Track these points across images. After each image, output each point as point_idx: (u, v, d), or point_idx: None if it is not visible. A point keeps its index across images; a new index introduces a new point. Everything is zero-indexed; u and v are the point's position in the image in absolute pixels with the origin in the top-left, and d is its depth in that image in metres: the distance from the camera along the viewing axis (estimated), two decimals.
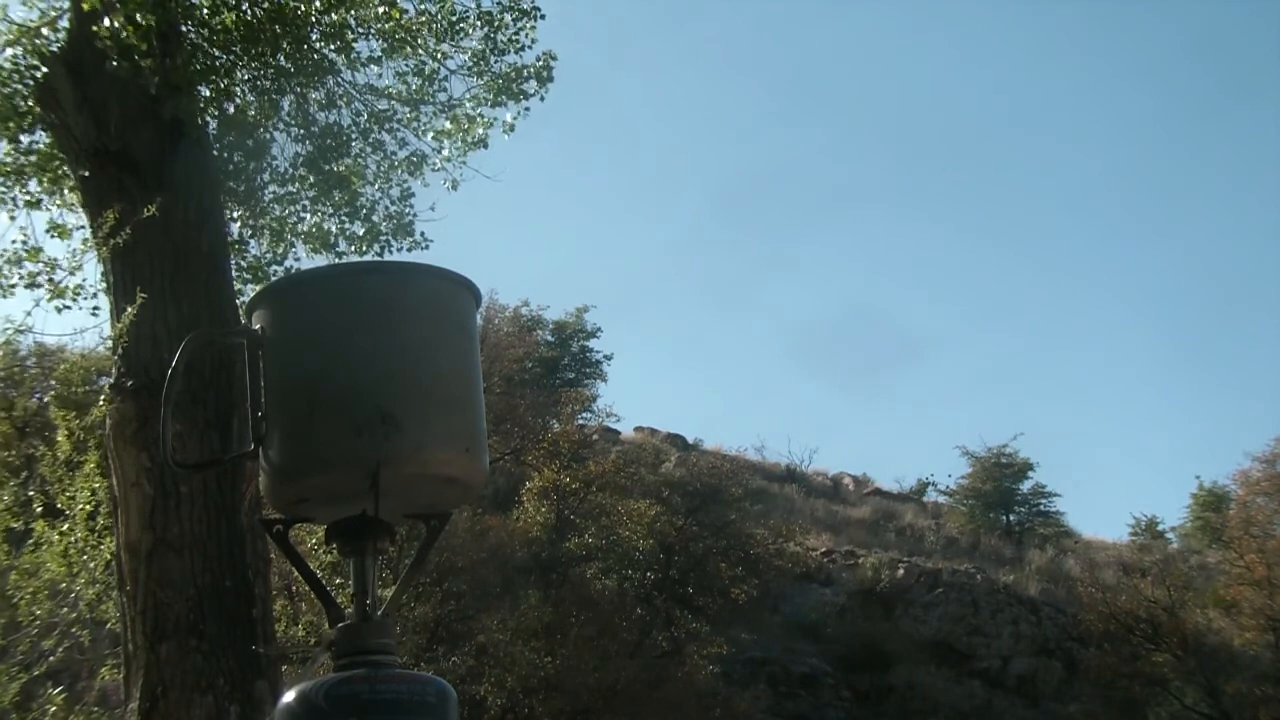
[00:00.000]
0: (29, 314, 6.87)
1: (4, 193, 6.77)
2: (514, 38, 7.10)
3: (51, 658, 5.40)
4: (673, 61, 72.02)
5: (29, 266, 6.41)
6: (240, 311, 5.46)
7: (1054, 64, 66.41)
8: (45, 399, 5.75)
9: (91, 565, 5.33)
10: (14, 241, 6.61)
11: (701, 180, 68.34)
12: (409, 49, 7.08)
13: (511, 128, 7.33)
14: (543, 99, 7.25)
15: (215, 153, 6.24)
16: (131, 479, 4.97)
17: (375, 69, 7.16)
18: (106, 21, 5.37)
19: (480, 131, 7.32)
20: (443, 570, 13.17)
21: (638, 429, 28.75)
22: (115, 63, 5.41)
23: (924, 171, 64.51)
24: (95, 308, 6.61)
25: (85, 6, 5.36)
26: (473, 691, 12.53)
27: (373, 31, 6.93)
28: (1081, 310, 61.89)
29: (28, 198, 6.81)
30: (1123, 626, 19.40)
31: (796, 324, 59.74)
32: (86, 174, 5.61)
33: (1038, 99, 64.67)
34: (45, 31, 6.30)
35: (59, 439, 5.20)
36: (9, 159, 6.68)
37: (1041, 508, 28.32)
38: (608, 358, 28.54)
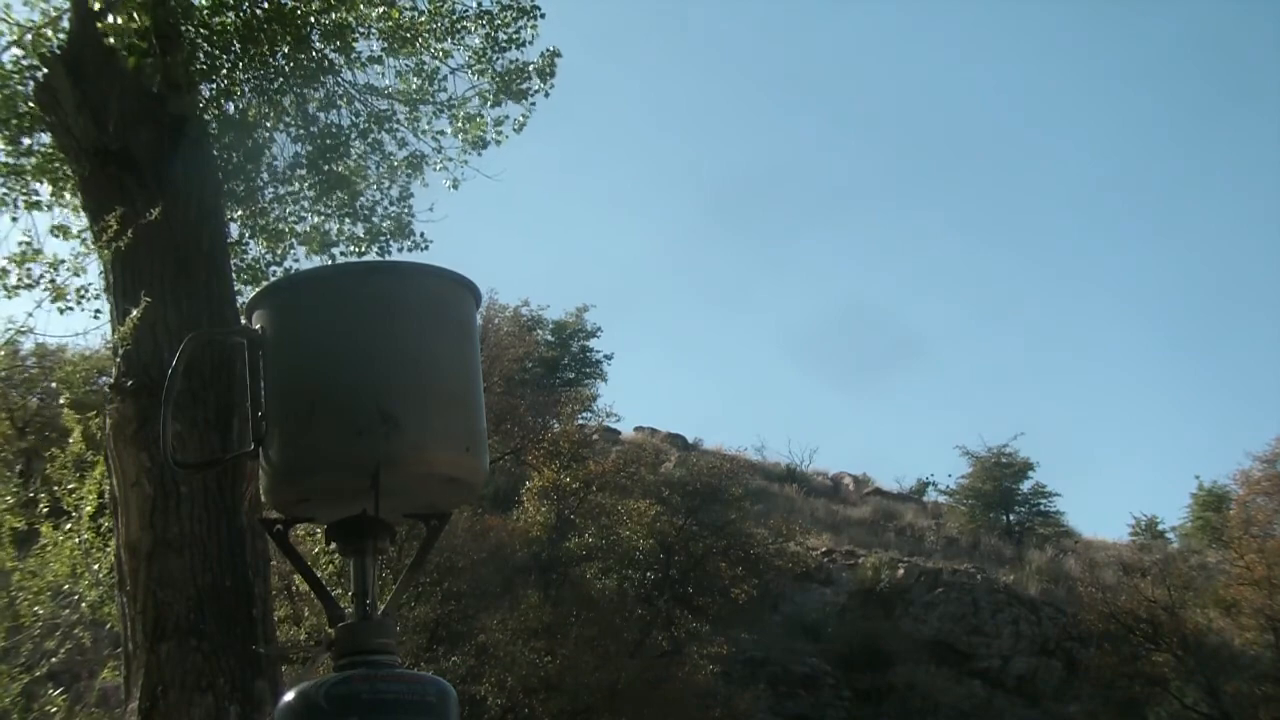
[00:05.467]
0: (30, 315, 6.87)
1: (5, 194, 6.77)
2: (514, 35, 7.11)
3: (53, 659, 5.40)
4: (672, 61, 72.06)
5: (32, 267, 6.41)
6: (240, 311, 5.46)
7: (1054, 64, 66.42)
8: (60, 401, 5.74)
9: (95, 567, 5.32)
10: (19, 243, 6.62)
11: (701, 180, 68.34)
12: (409, 48, 7.08)
13: (521, 125, 7.35)
14: (547, 95, 7.27)
15: (215, 153, 6.24)
16: (131, 479, 4.97)
17: (375, 68, 7.18)
18: (110, 19, 5.36)
19: (482, 131, 7.34)
20: (443, 570, 13.17)
21: (638, 429, 28.75)
22: (121, 60, 5.41)
23: (924, 171, 64.53)
24: (97, 310, 6.62)
25: (94, 5, 5.36)
26: (473, 691, 12.53)
27: (373, 31, 6.94)
28: (1081, 310, 61.90)
29: (28, 199, 6.81)
30: (1123, 626, 19.40)
31: (796, 323, 59.73)
32: (86, 174, 5.61)
33: (1038, 98, 64.68)
34: (47, 32, 6.30)
35: (71, 440, 5.19)
36: (9, 160, 6.68)
37: (1041, 508, 28.31)
38: (608, 358, 28.58)
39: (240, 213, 7.01)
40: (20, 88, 6.31)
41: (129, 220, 5.02)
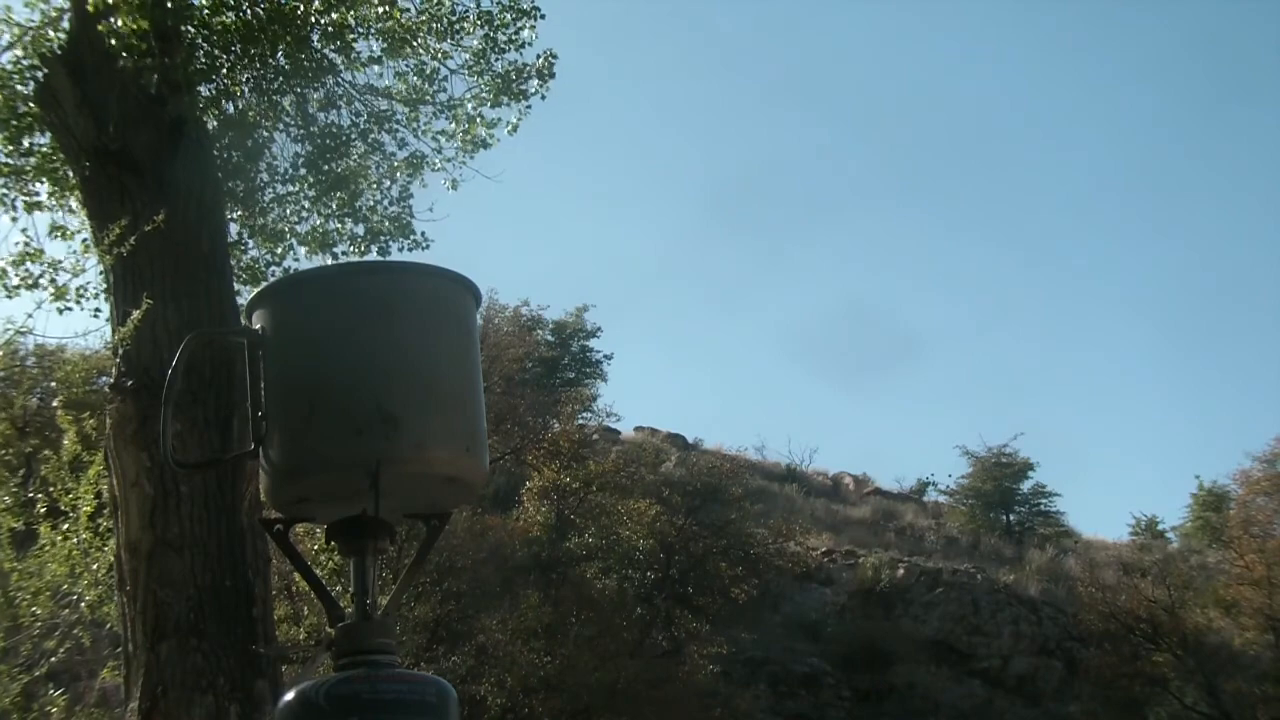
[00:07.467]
0: (30, 315, 6.86)
1: (5, 194, 6.77)
2: (514, 37, 7.10)
3: (53, 659, 5.40)
4: (672, 61, 72.04)
5: (31, 267, 6.41)
6: (240, 311, 5.46)
7: (1054, 64, 66.43)
8: (55, 402, 5.74)
9: (94, 567, 5.32)
10: (18, 244, 6.62)
11: (701, 180, 68.41)
12: (409, 48, 7.07)
13: (515, 127, 7.33)
14: (544, 97, 7.25)
15: (215, 153, 6.24)
16: (131, 479, 4.97)
17: (375, 69, 7.17)
18: (111, 20, 5.36)
19: (481, 132, 7.33)
20: (443, 570, 13.16)
21: (638, 429, 28.72)
22: (120, 61, 5.41)
23: (924, 170, 64.57)
24: (97, 309, 6.62)
25: (90, 8, 5.35)
26: (473, 691, 12.52)
27: (373, 31, 6.93)
28: (1081, 310, 61.96)
29: (27, 199, 6.81)
30: (1123, 626, 19.38)
31: (796, 323, 59.76)
32: (86, 174, 5.61)
33: (1038, 98, 64.68)
34: (47, 31, 6.30)
35: (66, 440, 5.19)
36: (9, 160, 6.68)
37: (1041, 507, 28.31)
38: (608, 357, 28.52)
39: (240, 213, 7.00)
40: (20, 88, 6.31)
41: (131, 227, 5.03)
